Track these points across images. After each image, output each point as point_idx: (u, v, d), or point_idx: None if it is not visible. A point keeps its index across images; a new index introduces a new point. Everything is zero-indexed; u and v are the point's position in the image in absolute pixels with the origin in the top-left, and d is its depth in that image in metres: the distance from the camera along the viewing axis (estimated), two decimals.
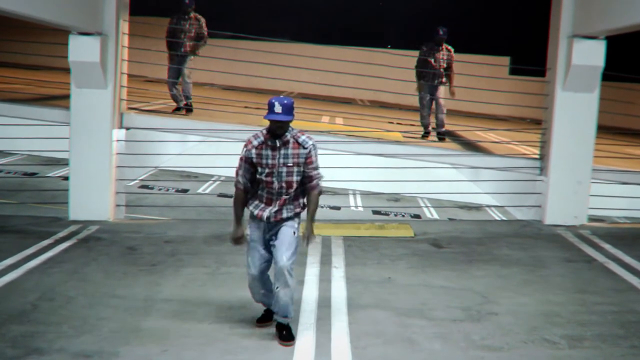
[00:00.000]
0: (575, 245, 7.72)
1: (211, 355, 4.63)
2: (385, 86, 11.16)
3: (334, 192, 14.24)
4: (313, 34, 20.49)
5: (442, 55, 10.32)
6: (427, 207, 14.28)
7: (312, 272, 6.47)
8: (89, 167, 8.69)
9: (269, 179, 4.73)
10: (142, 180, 15.13)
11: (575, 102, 8.67)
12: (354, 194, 15.25)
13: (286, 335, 4.83)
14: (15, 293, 5.76)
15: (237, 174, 4.84)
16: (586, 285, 6.28)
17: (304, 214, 4.89)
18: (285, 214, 4.81)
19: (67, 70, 8.68)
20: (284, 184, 4.74)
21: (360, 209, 14.63)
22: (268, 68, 10.71)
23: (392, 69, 10.44)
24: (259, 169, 4.75)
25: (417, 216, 13.80)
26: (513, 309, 5.60)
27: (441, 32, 10.30)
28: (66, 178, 9.31)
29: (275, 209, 4.79)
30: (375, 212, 13.79)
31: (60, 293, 5.79)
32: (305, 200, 4.88)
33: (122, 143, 9.06)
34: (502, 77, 12.79)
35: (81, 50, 8.44)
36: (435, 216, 13.79)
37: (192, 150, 14.63)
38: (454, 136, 10.63)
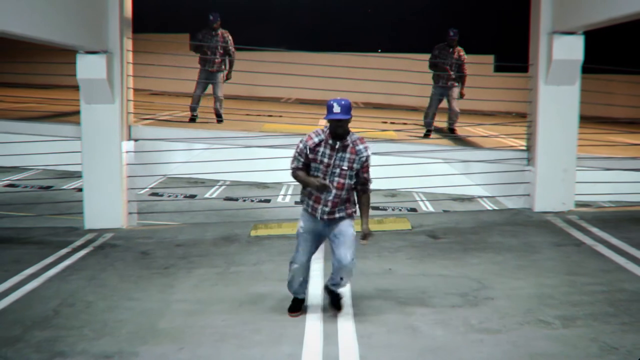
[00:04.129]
0: (564, 230, 7.72)
1: (225, 350, 4.62)
2: (378, 88, 11.16)
3: None
4: (307, 43, 20.49)
5: (454, 56, 10.10)
6: (422, 200, 14.29)
7: (316, 267, 6.46)
8: (101, 178, 8.69)
9: (321, 176, 4.74)
10: (152, 188, 15.16)
11: (558, 95, 8.67)
12: None
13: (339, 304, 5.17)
14: (37, 300, 5.76)
15: (292, 162, 4.83)
16: (576, 268, 6.28)
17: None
18: (337, 214, 4.84)
19: (76, 88, 8.70)
20: (335, 184, 4.74)
21: None
22: (266, 76, 10.71)
23: (384, 72, 10.44)
24: (313, 165, 4.76)
25: (414, 210, 13.81)
26: (508, 293, 5.60)
27: (451, 34, 10.04)
28: (80, 190, 9.32)
29: (328, 209, 4.80)
30: (374, 208, 13.79)
31: (79, 298, 5.79)
32: (355, 200, 4.93)
33: (132, 154, 9.06)
34: (487, 75, 12.77)
35: (88, 68, 8.45)
36: (431, 209, 13.79)
37: (198, 158, 14.66)
38: (444, 133, 10.63)
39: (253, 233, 8.10)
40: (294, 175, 4.86)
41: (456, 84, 10.25)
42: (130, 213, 8.99)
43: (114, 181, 8.72)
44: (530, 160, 8.98)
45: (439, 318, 5.05)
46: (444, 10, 19.96)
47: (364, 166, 4.78)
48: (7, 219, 10.90)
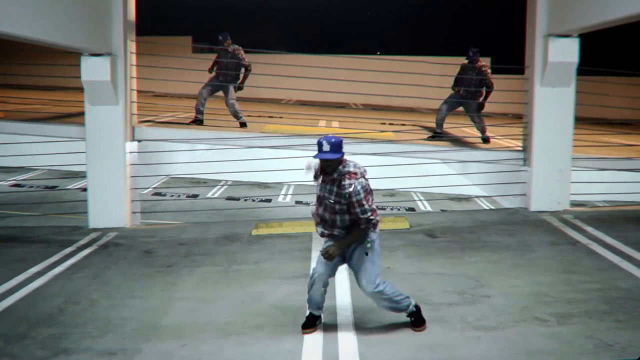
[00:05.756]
0: (559, 229, 7.72)
1: (227, 347, 4.62)
2: (377, 90, 11.17)
3: None
4: (307, 45, 20.49)
5: (473, 74, 10.04)
6: (420, 200, 14.28)
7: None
8: (105, 178, 8.69)
9: (317, 203, 4.62)
10: (155, 188, 15.15)
11: (553, 97, 8.67)
12: None
13: (415, 321, 4.81)
14: (42, 298, 5.76)
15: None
16: (571, 266, 6.28)
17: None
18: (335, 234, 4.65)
19: (80, 90, 8.69)
20: (327, 215, 4.56)
21: None
22: (267, 78, 10.72)
23: (382, 74, 10.43)
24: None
25: (412, 209, 13.80)
26: (505, 291, 5.60)
27: (470, 54, 9.91)
28: (84, 189, 9.32)
29: (327, 232, 4.64)
30: None
31: (84, 296, 5.79)
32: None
33: (135, 154, 9.06)
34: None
35: (93, 70, 8.45)
36: (429, 208, 13.79)
37: (201, 158, 14.66)
38: (442, 134, 10.62)
39: (254, 232, 8.10)
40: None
41: (479, 98, 10.14)
42: (133, 212, 8.98)
43: (118, 181, 8.72)
44: (526, 161, 8.98)
45: (436, 315, 5.05)
46: (442, 12, 19.99)
47: (350, 202, 4.41)
48: (13, 218, 10.89)
